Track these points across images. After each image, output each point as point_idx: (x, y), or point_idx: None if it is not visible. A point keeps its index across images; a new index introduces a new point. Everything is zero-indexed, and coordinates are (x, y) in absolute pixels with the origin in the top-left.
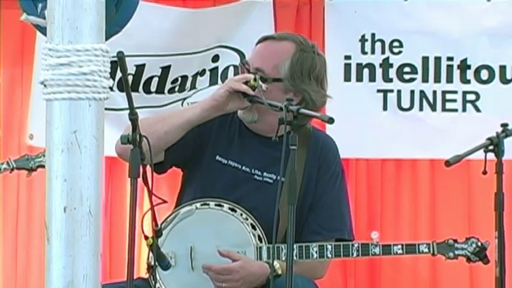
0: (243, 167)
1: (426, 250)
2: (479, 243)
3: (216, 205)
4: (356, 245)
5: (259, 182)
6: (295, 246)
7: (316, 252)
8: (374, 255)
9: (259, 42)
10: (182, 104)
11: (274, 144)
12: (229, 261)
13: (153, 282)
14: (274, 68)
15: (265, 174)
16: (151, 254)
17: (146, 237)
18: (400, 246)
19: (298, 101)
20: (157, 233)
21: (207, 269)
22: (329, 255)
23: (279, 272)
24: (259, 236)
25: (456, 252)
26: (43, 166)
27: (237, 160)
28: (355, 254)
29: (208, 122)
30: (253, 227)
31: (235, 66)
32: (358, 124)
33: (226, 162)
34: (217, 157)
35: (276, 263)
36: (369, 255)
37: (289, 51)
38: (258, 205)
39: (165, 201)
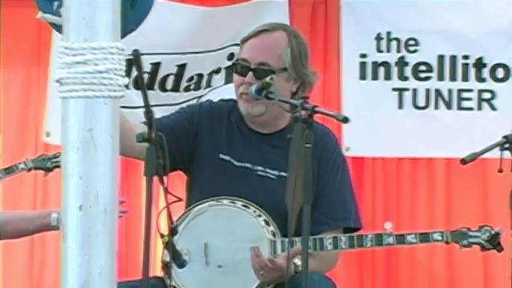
0: (246, 164)
1: (439, 238)
2: (492, 231)
3: (229, 202)
4: (370, 236)
5: (262, 177)
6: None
7: (330, 243)
8: (388, 245)
9: (251, 36)
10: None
11: (274, 140)
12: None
13: (169, 281)
14: (278, 59)
15: (268, 170)
16: (165, 252)
17: (162, 236)
18: (413, 236)
19: (297, 86)
20: (173, 231)
21: (257, 255)
22: (343, 246)
23: (300, 268)
24: (272, 231)
25: (470, 240)
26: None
27: (239, 157)
28: (369, 244)
29: (193, 119)
30: (266, 223)
31: (234, 65)
32: (374, 123)
33: (229, 159)
34: (221, 155)
35: (297, 260)
36: (383, 245)
37: (285, 40)
38: (262, 200)
39: (180, 199)
